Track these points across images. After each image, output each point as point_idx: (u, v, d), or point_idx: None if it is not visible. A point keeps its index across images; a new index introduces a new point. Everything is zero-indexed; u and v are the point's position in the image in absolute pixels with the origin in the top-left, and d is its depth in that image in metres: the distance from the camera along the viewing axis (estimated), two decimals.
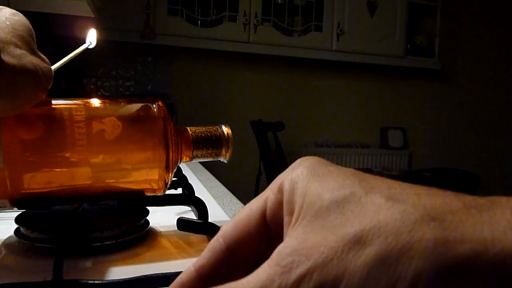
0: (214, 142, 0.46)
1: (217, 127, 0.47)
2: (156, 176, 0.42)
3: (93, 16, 1.38)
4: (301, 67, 2.85)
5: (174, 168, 0.43)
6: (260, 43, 2.52)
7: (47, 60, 0.38)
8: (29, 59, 0.35)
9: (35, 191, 0.38)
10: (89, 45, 0.49)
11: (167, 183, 0.43)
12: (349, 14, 2.67)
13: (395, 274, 0.14)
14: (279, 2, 2.62)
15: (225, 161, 0.47)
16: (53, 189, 0.39)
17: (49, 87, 0.38)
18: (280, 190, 0.19)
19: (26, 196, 0.38)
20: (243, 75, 2.75)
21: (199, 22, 2.48)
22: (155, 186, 0.43)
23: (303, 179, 0.18)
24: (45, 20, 2.01)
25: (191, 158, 0.46)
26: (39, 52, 0.37)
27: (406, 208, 0.15)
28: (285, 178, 0.19)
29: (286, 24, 2.63)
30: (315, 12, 2.65)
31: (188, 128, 0.46)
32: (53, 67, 0.42)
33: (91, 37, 0.49)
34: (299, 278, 0.15)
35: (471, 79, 3.31)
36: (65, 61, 0.46)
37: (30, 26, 0.38)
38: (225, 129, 0.47)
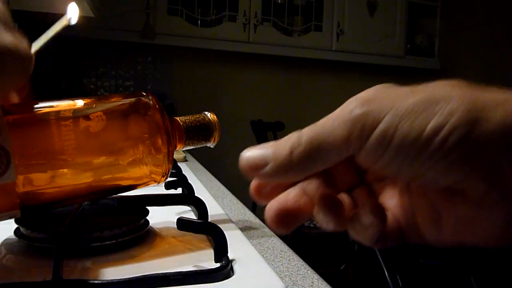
0: (204, 130, 0.47)
1: (203, 115, 0.49)
2: (160, 169, 0.42)
3: (93, 16, 1.38)
4: (301, 67, 2.85)
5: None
6: (260, 43, 2.52)
7: (25, 39, 0.34)
8: (6, 36, 0.30)
9: (37, 194, 0.38)
10: (70, 20, 0.43)
11: (168, 174, 0.44)
12: (349, 14, 2.66)
13: (435, 109, 0.18)
14: (279, 2, 2.62)
15: (212, 146, 0.49)
16: (54, 190, 0.39)
17: (31, 70, 0.34)
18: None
19: (29, 202, 0.38)
20: (243, 75, 2.75)
21: (199, 22, 2.48)
22: (157, 178, 0.44)
23: (375, 89, 0.23)
24: (45, 20, 2.01)
25: (183, 147, 0.47)
26: (16, 31, 0.33)
27: (455, 81, 0.21)
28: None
29: (286, 24, 2.63)
30: (315, 12, 2.65)
31: (178, 118, 0.47)
32: (33, 48, 0.38)
33: (72, 12, 0.43)
34: (354, 107, 0.20)
35: (471, 79, 3.30)
36: (45, 40, 0.42)
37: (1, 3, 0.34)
38: (211, 116, 0.49)
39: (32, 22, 1.60)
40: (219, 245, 0.38)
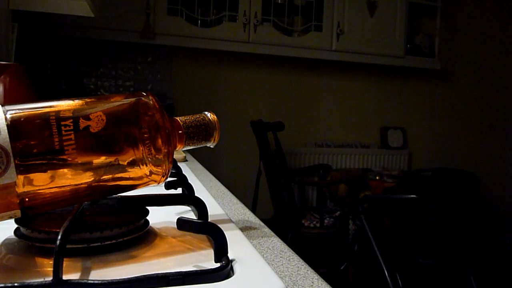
0: (204, 130, 0.48)
1: (203, 115, 0.49)
2: (160, 169, 0.42)
3: (93, 16, 1.38)
4: (301, 67, 2.85)
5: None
6: (260, 43, 2.52)
7: None
8: None
9: (37, 194, 0.38)
10: None
11: (168, 174, 0.44)
12: (349, 14, 2.67)
13: None
14: (279, 2, 2.62)
15: (212, 146, 0.49)
16: (54, 190, 0.38)
17: None
18: None
19: (29, 202, 0.38)
20: (243, 75, 2.75)
21: (199, 22, 2.48)
22: (157, 178, 0.43)
23: None
24: (45, 20, 2.01)
25: (183, 147, 0.47)
26: None
27: None
28: None
29: (286, 24, 2.63)
30: (315, 12, 2.65)
31: (178, 118, 0.47)
32: None
33: None
34: None
35: (471, 79, 3.31)
36: None
37: None
38: (211, 116, 0.49)
39: (32, 22, 1.60)
40: (219, 245, 0.38)
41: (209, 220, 0.44)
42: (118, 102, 0.43)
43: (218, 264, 0.36)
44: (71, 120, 0.39)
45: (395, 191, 2.23)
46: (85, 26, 2.14)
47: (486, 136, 3.36)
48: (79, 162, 0.39)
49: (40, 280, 0.33)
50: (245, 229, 0.52)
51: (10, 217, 0.38)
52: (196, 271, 0.34)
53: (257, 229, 0.52)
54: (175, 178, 0.63)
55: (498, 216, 3.37)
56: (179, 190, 0.62)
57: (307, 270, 0.40)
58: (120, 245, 0.41)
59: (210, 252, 0.39)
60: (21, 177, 0.36)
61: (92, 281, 0.32)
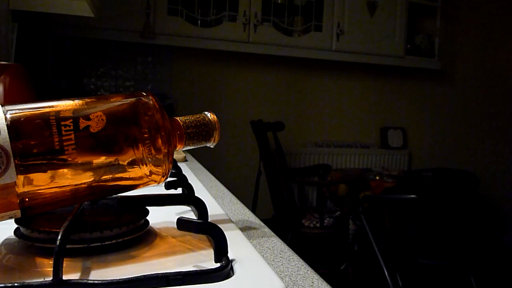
0: (204, 130, 0.48)
1: (203, 115, 0.49)
2: (160, 169, 0.42)
3: (93, 16, 1.38)
4: (301, 67, 2.85)
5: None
6: (260, 43, 2.52)
7: None
8: None
9: (37, 194, 0.38)
10: None
11: (168, 174, 0.44)
12: (349, 14, 2.67)
13: None
14: (279, 2, 2.62)
15: (212, 146, 0.49)
16: (54, 190, 0.38)
17: None
18: None
19: (29, 202, 0.38)
20: (243, 75, 2.75)
21: (199, 22, 2.48)
22: (157, 178, 0.43)
23: None
24: (45, 20, 2.01)
25: (183, 147, 0.47)
26: None
27: None
28: None
29: (286, 24, 2.63)
30: (315, 12, 2.65)
31: (178, 118, 0.47)
32: None
33: None
34: None
35: (471, 79, 3.31)
36: None
37: None
38: (211, 116, 0.49)
39: (32, 22, 1.59)
40: (219, 245, 0.38)
41: (209, 220, 0.44)
42: (118, 102, 0.43)
43: (218, 264, 0.36)
44: (71, 120, 0.39)
45: (395, 191, 2.23)
46: (85, 26, 2.14)
47: (486, 136, 3.36)
48: (79, 162, 0.39)
49: (40, 280, 0.33)
50: (245, 229, 0.52)
51: (10, 217, 0.38)
52: (196, 271, 0.34)
53: (257, 229, 0.52)
54: (175, 178, 0.63)
55: (498, 216, 3.37)
56: (179, 190, 0.62)
57: (307, 270, 0.40)
58: (120, 245, 0.41)
59: (210, 252, 0.39)
60: (21, 177, 0.36)
61: (92, 281, 0.32)
